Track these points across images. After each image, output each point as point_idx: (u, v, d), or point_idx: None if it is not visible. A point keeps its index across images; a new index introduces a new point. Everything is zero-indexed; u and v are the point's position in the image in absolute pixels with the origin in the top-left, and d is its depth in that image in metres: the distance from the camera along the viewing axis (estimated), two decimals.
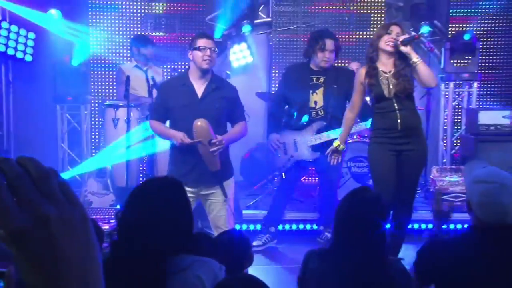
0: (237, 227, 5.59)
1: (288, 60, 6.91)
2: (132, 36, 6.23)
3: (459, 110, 7.17)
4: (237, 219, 5.77)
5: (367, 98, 4.62)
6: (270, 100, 6.42)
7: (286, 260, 5.15)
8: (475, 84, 6.94)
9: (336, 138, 4.67)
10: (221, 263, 2.18)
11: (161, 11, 7.16)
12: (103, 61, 7.01)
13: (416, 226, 5.54)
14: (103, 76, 7.12)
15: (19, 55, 5.99)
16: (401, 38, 4.17)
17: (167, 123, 4.35)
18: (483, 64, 7.26)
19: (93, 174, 6.15)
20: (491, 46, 7.36)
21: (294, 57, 7.01)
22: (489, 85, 7.39)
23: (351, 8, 7.24)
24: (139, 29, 7.06)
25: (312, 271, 2.42)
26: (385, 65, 4.26)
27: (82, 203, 0.66)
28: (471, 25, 6.75)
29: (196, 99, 4.16)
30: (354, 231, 2.34)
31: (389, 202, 4.06)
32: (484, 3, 7.15)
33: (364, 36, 7.15)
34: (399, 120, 4.17)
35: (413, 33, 4.49)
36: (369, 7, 7.26)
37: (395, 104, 4.18)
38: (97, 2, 6.96)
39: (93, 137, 7.03)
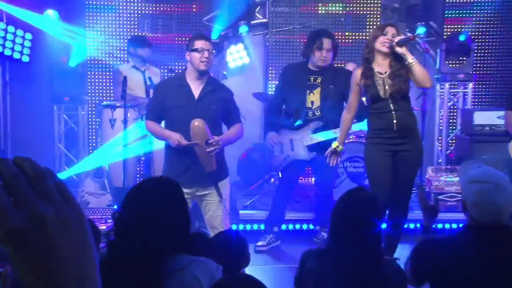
0: (234, 227, 5.62)
1: (285, 60, 6.93)
2: (129, 37, 6.24)
3: (455, 110, 7.21)
4: (234, 219, 5.80)
5: (363, 99, 4.64)
6: (266, 100, 6.45)
7: (282, 259, 5.16)
8: (470, 85, 6.99)
9: (335, 139, 4.69)
10: (218, 263, 2.18)
11: (158, 12, 7.16)
12: (100, 62, 7.01)
13: (412, 226, 5.57)
14: (100, 76, 7.12)
15: (16, 55, 5.99)
16: (397, 39, 4.19)
17: (162, 123, 4.36)
18: (478, 65, 7.30)
19: (90, 175, 6.16)
20: (486, 47, 7.40)
21: (290, 57, 7.03)
22: (484, 86, 7.43)
23: (347, 9, 7.27)
24: (136, 30, 7.06)
25: (309, 271, 2.43)
26: (381, 66, 4.28)
27: (78, 203, 0.66)
28: (466, 26, 6.79)
29: (193, 100, 4.17)
30: (350, 231, 2.36)
31: (384, 202, 4.09)
32: (479, 4, 7.19)
33: (360, 37, 7.18)
34: (395, 121, 4.19)
35: (408, 34, 4.51)
36: (365, 8, 7.28)
37: (391, 105, 4.21)
38: (94, 3, 6.97)
39: (90, 137, 7.03)
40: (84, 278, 0.64)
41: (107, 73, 7.02)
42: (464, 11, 7.22)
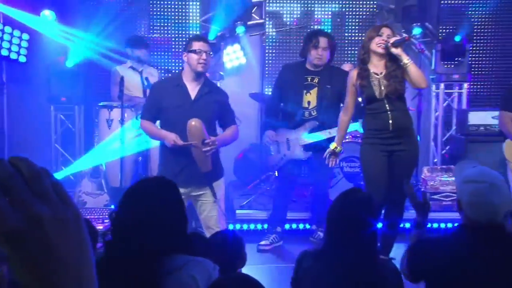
0: (231, 226, 5.64)
1: (281, 61, 6.95)
2: (126, 38, 6.24)
3: (450, 110, 7.24)
4: (230, 218, 5.82)
5: (359, 99, 4.67)
6: (263, 101, 6.48)
7: (280, 259, 5.18)
8: (465, 85, 7.03)
9: (328, 140, 4.72)
10: (215, 263, 2.18)
11: (155, 13, 7.17)
12: (97, 62, 7.01)
13: (407, 225, 5.59)
14: (97, 77, 7.12)
15: (13, 56, 5.99)
16: (392, 40, 4.21)
17: (157, 123, 4.36)
18: (473, 66, 7.35)
19: (87, 174, 6.16)
20: (481, 48, 7.44)
21: (287, 58, 7.05)
22: (479, 86, 7.48)
23: (343, 9, 7.30)
24: (133, 31, 7.06)
25: (305, 271, 2.43)
26: (377, 66, 4.30)
27: (75, 203, 0.66)
28: (461, 27, 6.83)
29: (189, 101, 4.18)
30: (346, 231, 2.36)
31: (380, 202, 4.12)
32: (474, 5, 7.23)
33: (356, 38, 7.21)
34: (390, 121, 4.22)
35: (404, 35, 4.55)
36: (360, 9, 7.31)
37: (387, 105, 4.23)
38: (91, 4, 6.97)
39: (87, 138, 7.03)
40: (81, 278, 0.64)
41: (104, 74, 7.01)
42: (460, 12, 7.24)
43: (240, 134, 4.54)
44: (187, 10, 7.12)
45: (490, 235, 2.38)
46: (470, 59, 7.00)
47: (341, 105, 4.90)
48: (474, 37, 7.23)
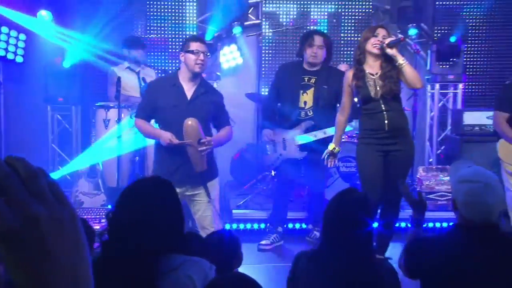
0: (228, 226, 5.66)
1: (278, 61, 6.98)
2: (123, 39, 6.25)
3: (445, 111, 7.28)
4: (227, 218, 5.84)
5: (355, 100, 4.70)
6: (259, 101, 6.49)
7: (276, 258, 5.18)
8: (460, 86, 7.07)
9: (323, 140, 4.73)
10: (211, 262, 2.18)
11: (152, 13, 7.18)
12: (94, 63, 7.02)
13: (403, 224, 5.64)
14: (94, 77, 7.12)
15: (10, 56, 5.99)
16: (387, 40, 4.24)
17: (152, 122, 4.37)
18: (468, 66, 7.39)
19: (84, 174, 6.17)
20: (476, 49, 7.48)
21: (283, 58, 7.07)
22: (473, 87, 7.52)
23: (339, 10, 7.32)
24: (130, 31, 7.07)
25: (302, 271, 2.44)
26: (372, 67, 4.33)
27: (71, 203, 0.66)
28: (456, 28, 6.87)
29: (185, 101, 4.19)
30: (343, 231, 2.37)
31: (376, 201, 4.15)
32: (469, 7, 7.27)
33: (352, 38, 7.24)
34: (386, 121, 4.24)
35: (399, 36, 4.58)
36: (356, 10, 7.34)
37: (382, 105, 4.25)
38: (88, 4, 6.97)
39: (84, 138, 7.03)
40: (77, 278, 0.64)
41: (101, 74, 7.02)
42: (455, 13, 7.28)
43: (237, 134, 4.57)
44: (184, 11, 7.13)
45: (485, 235, 2.39)
46: (465, 59, 7.04)
47: (338, 105, 4.93)
48: (469, 38, 7.27)
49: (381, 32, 4.32)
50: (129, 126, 5.43)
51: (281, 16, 7.29)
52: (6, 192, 0.59)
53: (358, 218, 2.36)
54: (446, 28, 7.18)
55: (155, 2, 7.11)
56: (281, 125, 5.37)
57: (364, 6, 7.28)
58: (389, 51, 4.23)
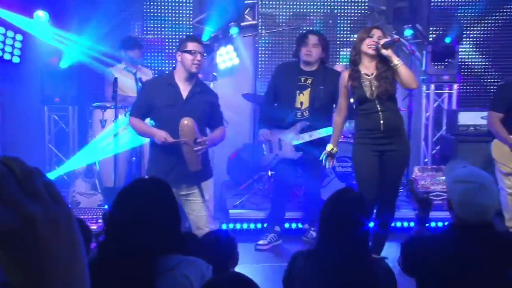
0: (224, 226, 5.68)
1: (274, 62, 7.00)
2: (120, 40, 6.25)
3: (440, 111, 7.32)
4: (223, 218, 5.86)
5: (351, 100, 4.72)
6: (256, 101, 6.52)
7: (273, 258, 5.19)
8: (455, 86, 7.12)
9: (320, 140, 4.75)
10: (208, 262, 2.19)
11: (148, 14, 7.19)
12: (91, 64, 7.02)
13: (399, 224, 5.68)
14: (91, 77, 7.12)
15: (7, 56, 5.97)
16: (382, 41, 4.26)
17: (147, 120, 4.38)
18: (463, 67, 7.43)
19: (81, 174, 6.17)
20: (471, 49, 7.53)
21: (280, 59, 7.09)
22: (468, 87, 7.56)
23: (335, 11, 7.35)
24: (127, 32, 7.07)
25: (298, 271, 2.45)
26: (367, 67, 4.35)
27: (67, 203, 0.66)
28: (451, 28, 6.91)
29: (181, 100, 4.20)
30: (339, 231, 2.38)
31: (372, 201, 4.17)
32: (463, 7, 7.31)
33: (348, 39, 7.26)
34: (382, 121, 4.26)
35: (395, 36, 4.61)
36: (352, 11, 7.36)
37: (378, 106, 4.28)
38: (85, 5, 6.97)
39: (81, 138, 7.03)
40: (73, 278, 0.64)
41: (98, 74, 7.02)
42: (450, 14, 7.32)
43: (233, 134, 4.59)
44: (181, 11, 7.14)
45: (480, 234, 2.41)
46: (459, 60, 7.08)
47: (334, 106, 4.96)
48: (464, 39, 7.31)
49: (376, 33, 4.34)
50: (124, 124, 5.42)
51: (277, 17, 7.31)
52: (1, 192, 0.59)
53: (354, 217, 2.37)
54: (441, 29, 7.21)
55: (152, 3, 7.12)
56: (277, 125, 5.39)
57: (359, 7, 7.31)
58: (384, 51, 4.25)
